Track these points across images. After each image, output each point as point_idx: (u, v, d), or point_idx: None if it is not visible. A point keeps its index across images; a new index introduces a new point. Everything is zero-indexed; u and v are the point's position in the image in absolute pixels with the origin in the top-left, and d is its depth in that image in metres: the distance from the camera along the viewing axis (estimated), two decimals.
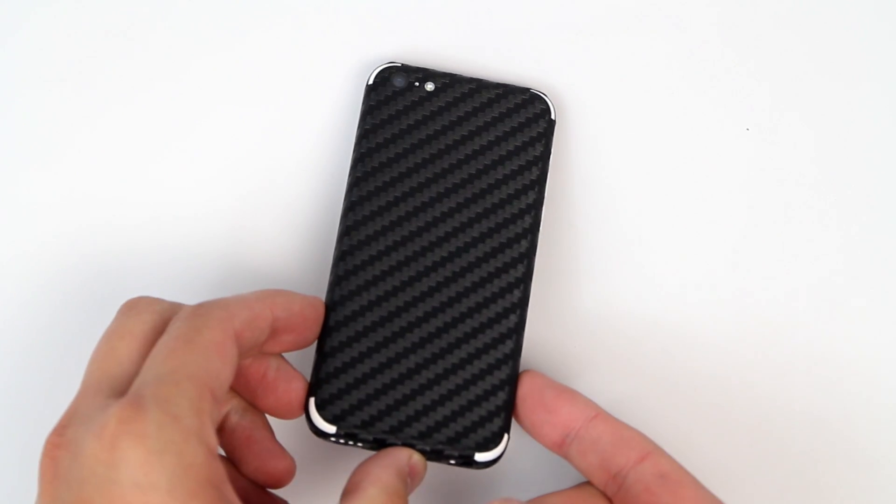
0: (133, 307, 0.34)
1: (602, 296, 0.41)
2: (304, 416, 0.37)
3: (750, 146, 0.41)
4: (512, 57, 0.42)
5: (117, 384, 0.31)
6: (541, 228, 0.39)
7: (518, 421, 0.37)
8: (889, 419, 0.40)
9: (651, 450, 0.33)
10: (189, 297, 0.36)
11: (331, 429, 0.36)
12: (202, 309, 0.33)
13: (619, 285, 0.41)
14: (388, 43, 0.42)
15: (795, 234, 0.41)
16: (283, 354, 0.37)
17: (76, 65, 0.42)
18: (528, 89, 0.40)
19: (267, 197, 0.41)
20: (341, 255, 0.38)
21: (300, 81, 0.42)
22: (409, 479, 0.35)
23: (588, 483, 0.35)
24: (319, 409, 0.37)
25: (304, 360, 0.38)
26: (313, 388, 0.37)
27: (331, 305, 0.38)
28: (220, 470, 0.30)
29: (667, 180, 0.41)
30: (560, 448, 0.35)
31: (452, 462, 0.36)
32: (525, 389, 0.36)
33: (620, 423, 0.35)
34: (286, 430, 0.38)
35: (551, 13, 0.42)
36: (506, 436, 0.37)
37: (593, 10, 0.42)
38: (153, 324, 0.33)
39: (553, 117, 0.40)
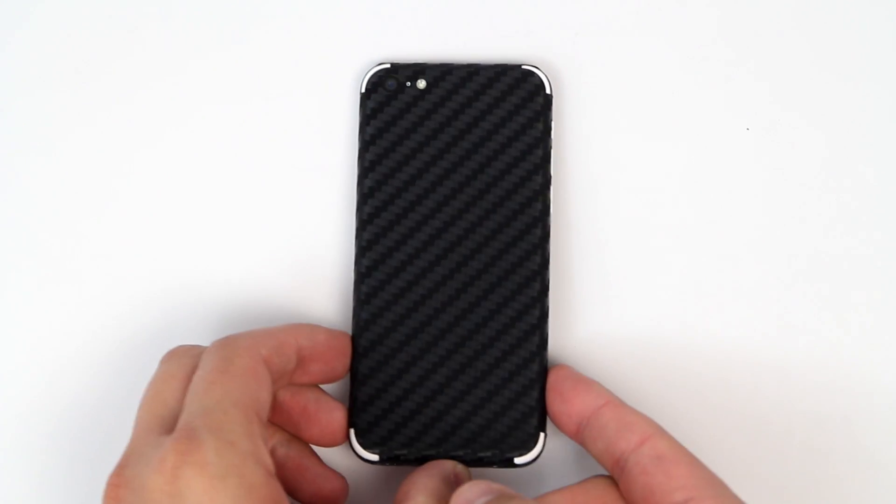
0: (173, 354, 0.36)
1: (602, 294, 0.40)
2: (347, 445, 0.38)
3: (750, 146, 0.41)
4: (508, 38, 0.42)
5: (166, 423, 0.33)
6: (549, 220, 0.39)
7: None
8: (890, 419, 0.40)
9: (652, 433, 0.34)
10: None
11: (374, 456, 0.38)
12: (228, 340, 0.35)
13: (617, 284, 0.40)
14: (381, 40, 0.42)
15: (796, 233, 0.41)
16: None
17: (79, 67, 0.42)
18: (519, 66, 0.40)
19: (278, 229, 0.41)
20: (361, 277, 0.39)
21: (295, 89, 0.42)
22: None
23: (596, 477, 0.35)
24: (360, 437, 0.38)
25: (342, 388, 0.39)
26: (351, 419, 0.38)
27: (357, 332, 0.38)
28: (280, 489, 0.31)
29: (666, 180, 0.41)
30: (577, 437, 0.36)
31: (494, 466, 0.37)
32: (549, 382, 0.37)
33: (627, 409, 0.35)
34: (331, 454, 0.40)
35: (550, 12, 0.42)
36: (542, 435, 0.37)
37: (592, 10, 0.42)
38: (192, 366, 0.35)
39: (549, 92, 0.40)
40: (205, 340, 0.38)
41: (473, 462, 0.37)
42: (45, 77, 0.42)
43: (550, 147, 0.39)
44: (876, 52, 0.41)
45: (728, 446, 0.40)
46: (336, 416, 0.38)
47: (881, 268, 0.40)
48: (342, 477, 0.38)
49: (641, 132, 0.41)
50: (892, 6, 0.42)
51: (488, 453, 0.37)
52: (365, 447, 0.38)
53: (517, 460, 0.37)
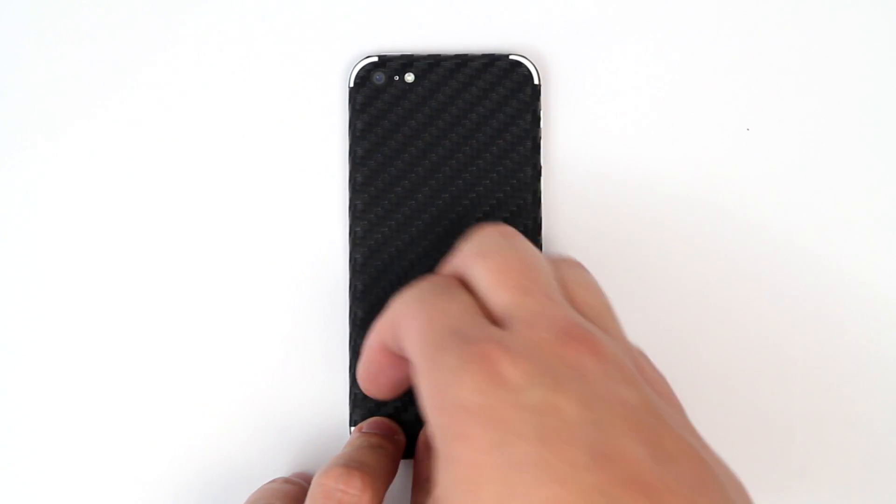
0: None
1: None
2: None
3: (750, 146, 0.41)
4: (496, 28, 0.41)
5: None
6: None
7: None
8: (890, 419, 0.40)
9: None
10: None
11: None
12: None
13: (609, 278, 0.40)
14: (368, 33, 0.41)
15: (796, 233, 0.40)
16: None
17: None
18: (507, 56, 0.40)
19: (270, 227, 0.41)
20: (354, 271, 0.39)
21: (284, 84, 0.41)
22: None
23: None
24: None
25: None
26: (350, 415, 0.39)
27: (352, 326, 0.39)
28: None
29: (665, 180, 0.41)
30: None
31: None
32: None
33: None
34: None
35: (539, 2, 0.42)
36: None
37: (590, 12, 0.42)
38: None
39: (537, 82, 0.40)
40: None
41: None
42: (40, 80, 0.42)
43: (540, 138, 0.39)
44: (876, 51, 0.41)
45: (728, 446, 0.39)
46: None
47: (881, 267, 0.40)
48: None
49: (640, 134, 0.41)
50: (892, 7, 0.42)
51: None
52: None
53: None
